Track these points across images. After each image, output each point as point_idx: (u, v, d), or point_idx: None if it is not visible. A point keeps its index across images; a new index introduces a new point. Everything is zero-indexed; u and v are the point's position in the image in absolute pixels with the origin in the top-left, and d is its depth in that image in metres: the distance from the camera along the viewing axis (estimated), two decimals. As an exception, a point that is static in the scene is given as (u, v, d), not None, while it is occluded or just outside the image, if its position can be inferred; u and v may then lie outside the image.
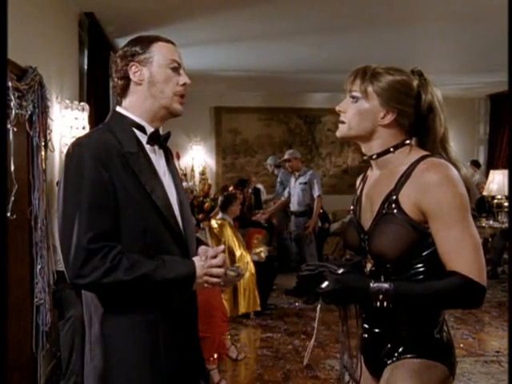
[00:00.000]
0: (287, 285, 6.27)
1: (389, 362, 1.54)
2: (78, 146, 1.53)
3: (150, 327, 1.55)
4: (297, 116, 9.05)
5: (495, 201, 6.81)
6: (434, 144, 1.53)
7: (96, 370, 1.55)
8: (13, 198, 2.64)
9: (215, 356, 3.63)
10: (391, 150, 1.54)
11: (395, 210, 1.48)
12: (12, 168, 2.65)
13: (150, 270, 1.47)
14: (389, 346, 1.55)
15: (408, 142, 1.56)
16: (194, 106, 6.64)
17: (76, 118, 3.77)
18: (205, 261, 1.55)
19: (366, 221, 1.58)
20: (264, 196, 8.06)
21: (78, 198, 1.46)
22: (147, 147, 1.62)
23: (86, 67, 4.50)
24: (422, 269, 1.48)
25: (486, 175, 7.45)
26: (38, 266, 3.04)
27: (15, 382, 2.95)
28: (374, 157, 1.57)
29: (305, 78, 7.35)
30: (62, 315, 3.33)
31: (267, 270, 5.61)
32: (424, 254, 1.47)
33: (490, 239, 7.08)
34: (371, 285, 1.43)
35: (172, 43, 1.66)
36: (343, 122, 1.56)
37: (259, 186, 8.08)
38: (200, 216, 5.84)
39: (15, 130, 2.67)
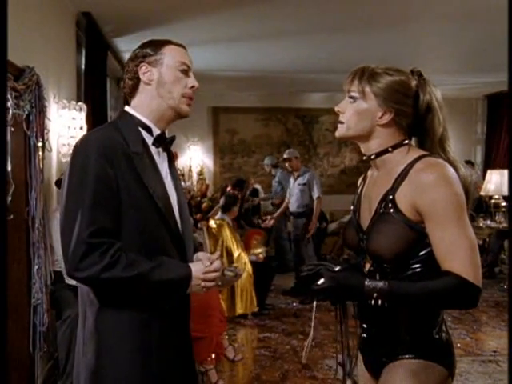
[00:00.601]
0: (285, 285, 6.28)
1: (387, 362, 1.54)
2: (85, 141, 1.56)
3: (144, 326, 1.56)
4: (294, 116, 9.04)
5: (492, 201, 6.81)
6: (433, 144, 1.54)
7: (88, 366, 1.56)
8: (10, 198, 2.64)
9: (213, 356, 3.61)
10: (389, 149, 1.54)
11: (392, 210, 1.48)
12: (9, 168, 2.65)
13: (147, 269, 1.48)
14: (387, 346, 1.55)
15: (407, 141, 1.56)
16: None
17: (73, 118, 3.77)
18: (206, 265, 1.57)
19: (365, 220, 1.59)
20: (261, 195, 8.05)
21: (82, 194, 1.47)
22: (152, 149, 1.63)
23: (83, 67, 4.49)
24: (419, 269, 1.48)
25: (483, 175, 7.46)
26: (36, 267, 3.04)
27: (13, 382, 2.96)
28: (373, 157, 1.58)
29: (303, 78, 7.35)
30: (59, 315, 3.34)
31: (265, 270, 5.60)
32: (421, 253, 1.47)
33: (487, 239, 7.09)
34: (366, 283, 1.44)
35: (183, 47, 1.69)
36: (342, 123, 1.57)
37: (257, 186, 8.07)
38: (198, 216, 5.83)
39: (12, 129, 2.68)
